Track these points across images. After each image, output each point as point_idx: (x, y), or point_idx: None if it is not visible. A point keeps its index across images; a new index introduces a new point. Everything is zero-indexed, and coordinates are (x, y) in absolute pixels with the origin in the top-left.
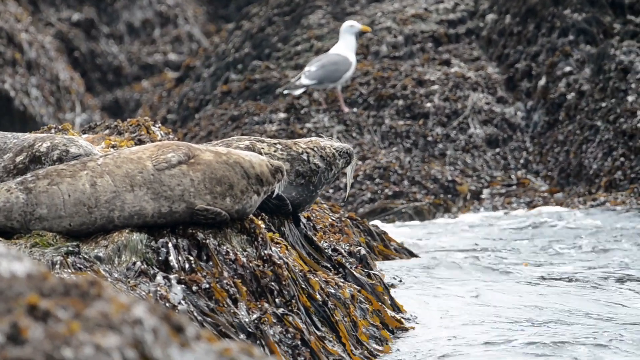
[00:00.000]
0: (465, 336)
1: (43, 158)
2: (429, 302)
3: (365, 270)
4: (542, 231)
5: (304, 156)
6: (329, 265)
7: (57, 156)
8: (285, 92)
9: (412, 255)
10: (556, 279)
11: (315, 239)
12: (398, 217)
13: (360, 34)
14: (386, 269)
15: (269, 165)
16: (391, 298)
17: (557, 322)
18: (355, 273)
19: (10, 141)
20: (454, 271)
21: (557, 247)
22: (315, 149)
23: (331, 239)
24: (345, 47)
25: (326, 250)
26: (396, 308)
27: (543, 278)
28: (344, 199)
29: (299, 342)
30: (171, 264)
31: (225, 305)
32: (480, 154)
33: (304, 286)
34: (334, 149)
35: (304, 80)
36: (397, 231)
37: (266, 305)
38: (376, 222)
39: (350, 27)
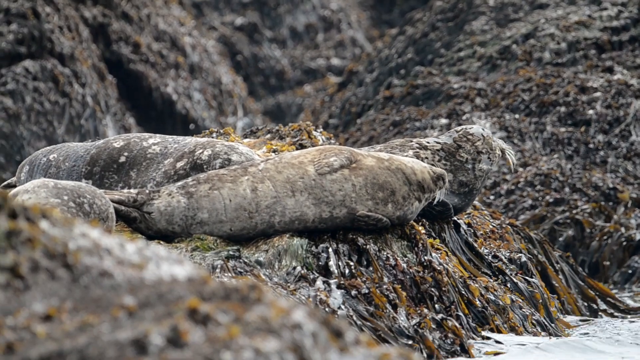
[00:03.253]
0: None
1: (205, 167)
2: None
3: (525, 277)
4: None
5: (469, 165)
6: (489, 272)
7: (219, 165)
8: None
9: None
10: None
11: (475, 245)
12: (557, 226)
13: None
14: None
15: (431, 172)
16: (547, 308)
17: None
18: (515, 280)
19: (170, 145)
20: None
21: None
22: (485, 151)
23: (492, 245)
24: None
25: (486, 257)
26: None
27: None
28: (515, 170)
29: (458, 348)
30: (331, 269)
31: (385, 310)
32: None
33: (463, 292)
34: (501, 149)
35: None
36: None
37: (425, 310)
38: None
39: None
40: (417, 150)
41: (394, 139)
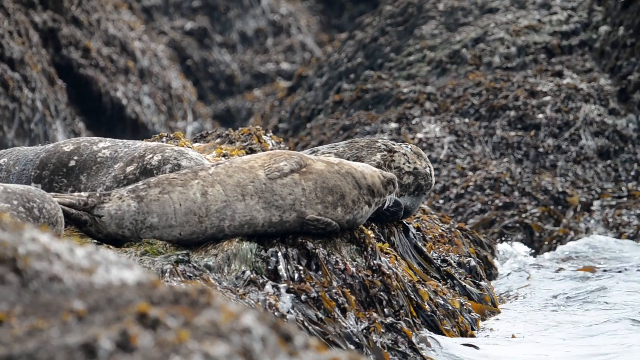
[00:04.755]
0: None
1: (155, 172)
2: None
3: (475, 281)
4: None
5: (428, 170)
6: (438, 276)
7: (169, 170)
8: None
9: None
10: None
11: (425, 249)
12: (506, 230)
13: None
14: None
15: (381, 176)
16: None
17: None
18: (463, 283)
19: (121, 150)
20: None
21: None
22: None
23: (441, 249)
24: None
25: (435, 261)
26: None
27: None
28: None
29: (408, 351)
30: (280, 273)
31: (335, 315)
32: (591, 165)
33: (412, 296)
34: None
35: None
36: None
37: (375, 314)
38: None
39: None
40: (385, 152)
41: (357, 138)
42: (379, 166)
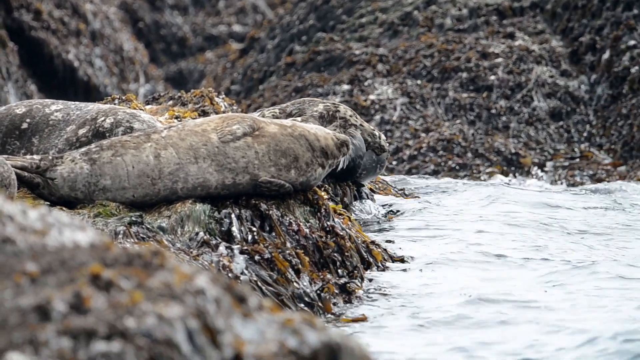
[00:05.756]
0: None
1: (107, 135)
2: None
3: None
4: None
5: (376, 132)
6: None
7: (121, 133)
8: None
9: None
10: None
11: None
12: None
13: None
14: None
15: (335, 138)
16: None
17: None
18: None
19: (73, 112)
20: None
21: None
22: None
23: None
24: None
25: None
26: None
27: None
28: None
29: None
30: (234, 234)
31: (289, 276)
32: (543, 126)
33: (366, 257)
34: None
35: None
36: None
37: (329, 275)
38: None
39: None
40: (328, 104)
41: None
42: (321, 116)
